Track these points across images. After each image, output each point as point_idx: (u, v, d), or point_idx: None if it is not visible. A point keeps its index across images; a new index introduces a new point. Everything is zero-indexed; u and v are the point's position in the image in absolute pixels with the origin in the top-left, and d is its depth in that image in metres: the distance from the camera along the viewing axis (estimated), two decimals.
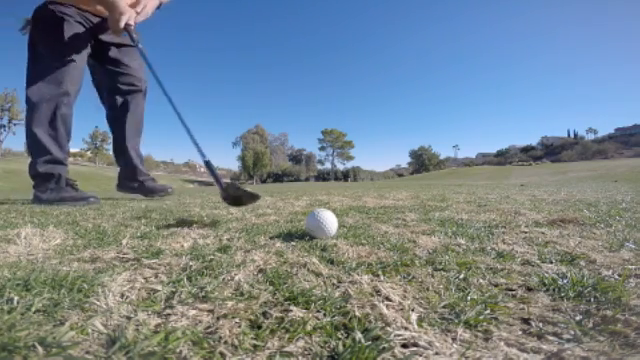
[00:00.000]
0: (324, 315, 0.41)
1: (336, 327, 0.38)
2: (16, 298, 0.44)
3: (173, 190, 2.29)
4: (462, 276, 0.56)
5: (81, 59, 1.88)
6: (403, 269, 0.60)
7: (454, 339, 0.36)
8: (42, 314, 0.40)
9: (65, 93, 1.83)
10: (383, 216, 1.31)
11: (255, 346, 0.34)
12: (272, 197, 2.46)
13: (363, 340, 0.34)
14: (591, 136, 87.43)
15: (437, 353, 0.33)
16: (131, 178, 2.25)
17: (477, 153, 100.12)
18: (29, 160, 1.88)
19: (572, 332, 0.37)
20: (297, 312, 0.41)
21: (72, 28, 1.81)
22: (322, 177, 62.93)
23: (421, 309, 0.43)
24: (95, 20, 1.94)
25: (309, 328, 0.37)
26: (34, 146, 1.83)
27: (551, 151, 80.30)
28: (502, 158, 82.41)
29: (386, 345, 0.34)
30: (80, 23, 1.86)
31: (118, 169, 2.29)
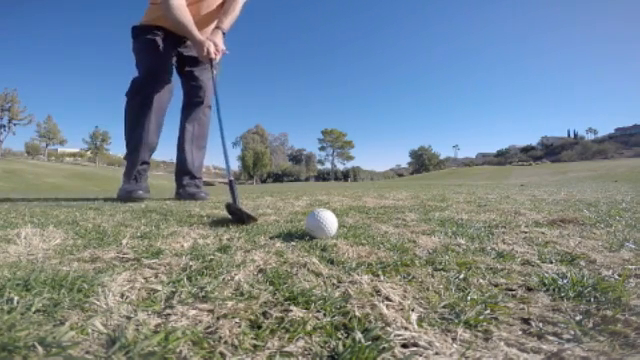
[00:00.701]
0: (324, 315, 0.41)
1: (336, 327, 0.38)
2: (16, 298, 0.44)
3: (208, 195, 2.36)
4: (462, 276, 0.56)
5: (164, 70, 2.17)
6: (403, 269, 0.60)
7: (454, 339, 0.36)
8: (42, 314, 0.40)
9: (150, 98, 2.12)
10: (383, 216, 1.31)
11: (255, 346, 0.34)
12: (272, 197, 2.46)
13: (363, 340, 0.34)
14: (591, 136, 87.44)
15: (437, 353, 0.33)
16: (179, 180, 2.37)
17: (477, 153, 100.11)
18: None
19: (572, 332, 0.37)
20: (297, 312, 0.41)
21: (158, 40, 2.14)
22: (322, 177, 62.91)
23: (421, 309, 0.43)
24: (179, 38, 2.22)
25: (309, 328, 0.37)
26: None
27: (551, 151, 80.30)
28: (502, 158, 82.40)
29: (386, 345, 0.34)
30: (164, 38, 2.17)
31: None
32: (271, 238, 0.88)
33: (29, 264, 0.62)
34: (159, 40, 2.15)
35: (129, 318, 0.39)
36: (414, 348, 0.34)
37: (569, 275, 0.55)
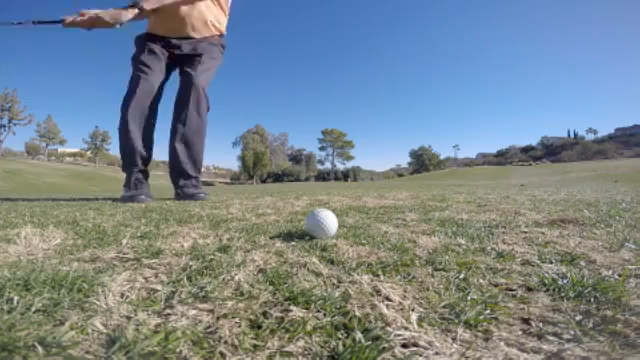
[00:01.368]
0: (324, 315, 0.41)
1: (336, 327, 0.38)
2: (16, 298, 0.44)
3: (207, 194, 2.36)
4: (462, 276, 0.56)
5: (154, 75, 2.24)
6: (403, 269, 0.60)
7: (454, 339, 0.36)
8: (42, 314, 0.40)
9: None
10: (383, 216, 1.31)
11: (255, 346, 0.34)
12: (272, 197, 2.46)
13: (363, 340, 0.34)
14: (591, 136, 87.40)
15: (437, 353, 0.33)
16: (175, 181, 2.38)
17: (477, 153, 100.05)
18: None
19: (572, 332, 0.37)
20: (297, 312, 0.41)
21: (151, 47, 2.26)
22: (322, 177, 62.89)
23: (421, 309, 0.43)
24: (169, 40, 2.33)
25: (309, 328, 0.37)
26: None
27: (551, 151, 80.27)
28: (502, 158, 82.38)
29: (386, 345, 0.34)
30: (158, 45, 2.29)
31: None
32: (271, 238, 0.88)
33: (29, 264, 0.62)
34: (153, 47, 2.24)
35: (129, 318, 0.39)
36: (414, 348, 0.34)
37: (569, 275, 0.55)
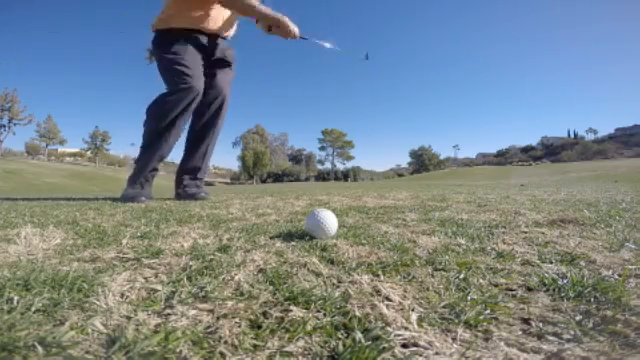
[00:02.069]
0: (324, 315, 0.41)
1: (336, 327, 0.38)
2: (16, 298, 0.44)
3: (208, 194, 2.34)
4: (462, 276, 0.56)
5: (200, 88, 2.11)
6: (403, 269, 0.60)
7: (454, 339, 0.36)
8: (42, 314, 0.40)
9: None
10: (383, 216, 1.31)
11: (255, 346, 0.34)
12: (272, 197, 2.46)
13: (363, 340, 0.34)
14: (591, 136, 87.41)
15: (437, 353, 0.33)
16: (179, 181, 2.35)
17: (477, 153, 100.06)
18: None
19: (572, 332, 0.37)
20: (297, 312, 0.41)
21: (191, 48, 2.09)
22: (322, 177, 62.88)
23: (421, 309, 0.43)
24: (207, 38, 2.18)
25: (309, 328, 0.37)
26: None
27: (551, 151, 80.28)
28: (502, 158, 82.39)
29: (386, 345, 0.34)
30: (193, 44, 2.12)
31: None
32: (271, 238, 0.88)
33: (29, 264, 0.62)
34: (193, 50, 2.08)
35: (129, 318, 0.40)
36: (414, 348, 0.34)
37: (569, 275, 0.55)
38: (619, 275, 0.56)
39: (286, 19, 2.04)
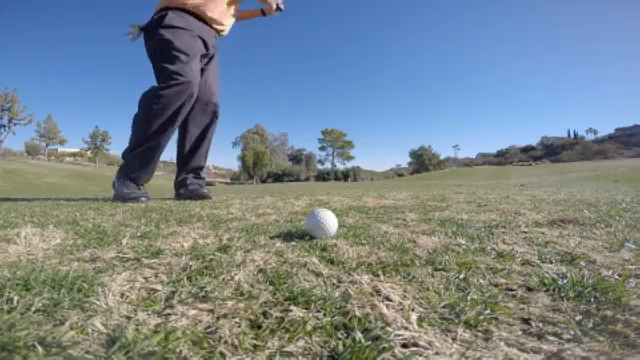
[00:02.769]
0: (324, 315, 0.41)
1: (336, 327, 0.38)
2: (16, 298, 0.44)
3: (210, 193, 2.30)
4: (462, 276, 0.56)
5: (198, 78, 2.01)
6: (403, 269, 0.60)
7: (454, 339, 0.36)
8: (42, 314, 0.40)
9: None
10: (383, 216, 1.31)
11: (255, 346, 0.34)
12: (272, 197, 2.46)
13: (363, 340, 0.34)
14: (591, 136, 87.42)
15: (437, 353, 0.33)
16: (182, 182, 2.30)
17: (477, 153, 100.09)
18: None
19: (572, 332, 0.37)
20: (297, 312, 0.41)
21: (198, 43, 2.02)
22: (322, 177, 62.89)
23: (421, 309, 0.43)
24: (208, 30, 2.13)
25: (309, 328, 0.37)
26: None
27: (551, 151, 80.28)
28: (502, 158, 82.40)
29: (386, 345, 0.34)
30: (200, 38, 2.05)
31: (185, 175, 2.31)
32: (271, 238, 0.88)
33: (29, 264, 0.62)
34: (199, 45, 2.00)
35: (129, 318, 0.40)
36: (414, 348, 0.34)
37: (569, 275, 0.55)
38: (619, 275, 0.56)
39: None
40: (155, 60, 1.96)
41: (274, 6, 2.23)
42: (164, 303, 0.44)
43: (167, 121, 1.90)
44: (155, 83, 1.95)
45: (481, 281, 0.54)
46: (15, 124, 44.04)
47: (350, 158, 65.04)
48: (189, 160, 2.28)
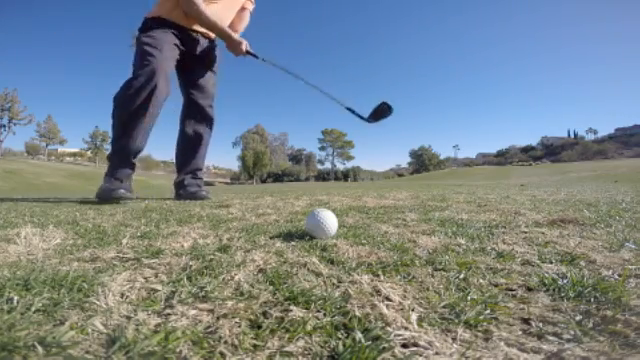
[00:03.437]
0: (324, 315, 0.41)
1: (336, 327, 0.38)
2: (16, 298, 0.44)
3: (209, 193, 2.32)
4: (462, 276, 0.56)
5: (168, 73, 2.04)
6: (403, 269, 0.60)
7: (454, 339, 0.36)
8: (42, 314, 0.40)
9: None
10: (383, 216, 1.31)
11: (255, 346, 0.34)
12: (272, 197, 2.46)
13: (363, 340, 0.34)
14: (591, 136, 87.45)
15: (437, 353, 0.33)
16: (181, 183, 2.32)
17: (477, 153, 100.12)
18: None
19: (572, 332, 0.37)
20: (297, 312, 0.41)
21: (170, 35, 2.06)
22: (322, 177, 62.89)
23: (421, 309, 0.43)
24: (191, 37, 2.18)
25: (309, 328, 0.37)
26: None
27: (551, 151, 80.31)
28: (502, 158, 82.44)
29: (386, 345, 0.34)
30: (175, 35, 2.10)
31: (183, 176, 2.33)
32: (271, 238, 0.88)
33: (29, 264, 0.62)
34: (171, 37, 2.05)
35: (129, 318, 0.39)
36: (414, 348, 0.34)
37: (569, 275, 0.55)
38: (619, 275, 0.56)
39: (229, 32, 2.05)
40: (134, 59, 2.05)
41: (243, 50, 2.15)
42: (164, 303, 0.44)
43: (139, 110, 1.90)
44: None
45: (481, 281, 0.54)
46: (15, 124, 44.06)
47: (350, 158, 65.07)
48: (187, 162, 2.32)
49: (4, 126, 43.33)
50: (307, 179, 59.91)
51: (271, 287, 0.50)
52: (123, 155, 1.99)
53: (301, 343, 0.34)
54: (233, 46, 2.12)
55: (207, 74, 2.31)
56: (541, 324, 0.39)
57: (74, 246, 0.78)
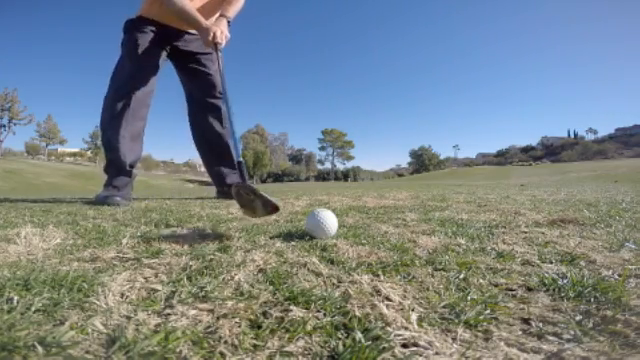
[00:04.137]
0: (324, 315, 0.41)
1: (336, 327, 0.38)
2: (16, 298, 0.44)
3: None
4: (462, 276, 0.56)
5: (151, 65, 2.05)
6: (403, 269, 0.60)
7: (454, 339, 0.36)
8: (42, 314, 0.40)
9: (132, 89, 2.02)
10: (383, 216, 1.31)
11: (255, 346, 0.34)
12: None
13: (363, 340, 0.34)
14: (591, 136, 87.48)
15: (437, 353, 0.33)
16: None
17: (477, 153, 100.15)
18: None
19: (572, 332, 0.37)
20: (297, 312, 0.41)
21: (146, 38, 2.02)
22: (322, 177, 62.90)
23: (421, 309, 0.43)
24: (175, 32, 2.12)
25: (309, 328, 0.37)
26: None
27: (551, 151, 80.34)
28: (502, 158, 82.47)
29: (386, 345, 0.34)
30: (156, 34, 2.05)
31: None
32: (271, 238, 0.88)
33: (29, 264, 0.62)
34: (148, 37, 2.00)
35: (129, 318, 0.39)
36: (414, 348, 0.34)
37: (569, 275, 0.55)
38: (619, 275, 0.56)
39: (194, 18, 1.90)
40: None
41: (209, 40, 1.96)
42: (164, 303, 0.44)
43: (117, 125, 1.92)
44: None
45: (481, 281, 0.54)
46: (15, 124, 44.05)
47: (350, 158, 65.07)
48: (219, 159, 2.25)
49: (4, 126, 43.34)
50: (307, 179, 59.92)
51: (271, 287, 0.50)
52: (117, 167, 1.99)
53: (301, 343, 0.34)
54: (201, 36, 1.94)
55: (202, 64, 2.21)
56: (541, 324, 0.39)
57: (74, 246, 0.78)
